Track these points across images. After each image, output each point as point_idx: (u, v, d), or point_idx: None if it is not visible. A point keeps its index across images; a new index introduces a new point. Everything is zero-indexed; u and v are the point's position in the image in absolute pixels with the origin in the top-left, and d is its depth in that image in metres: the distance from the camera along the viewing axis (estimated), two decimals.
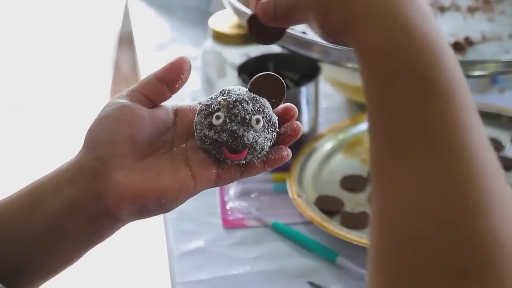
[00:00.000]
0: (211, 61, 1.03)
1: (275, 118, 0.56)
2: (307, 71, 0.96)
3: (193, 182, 0.54)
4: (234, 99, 0.54)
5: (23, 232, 0.53)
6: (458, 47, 0.93)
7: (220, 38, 1.00)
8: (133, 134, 0.53)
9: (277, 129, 0.56)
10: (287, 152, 0.56)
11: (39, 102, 2.27)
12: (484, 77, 0.92)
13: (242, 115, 0.54)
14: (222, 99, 0.55)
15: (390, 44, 0.42)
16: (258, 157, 0.56)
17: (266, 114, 0.55)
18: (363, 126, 0.99)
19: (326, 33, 0.49)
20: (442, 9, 1.03)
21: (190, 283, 0.80)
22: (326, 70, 0.98)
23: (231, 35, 1.00)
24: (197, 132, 0.55)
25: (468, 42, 0.94)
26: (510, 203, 0.38)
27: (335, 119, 1.02)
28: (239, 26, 0.99)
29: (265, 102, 0.55)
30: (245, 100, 0.54)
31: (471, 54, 0.92)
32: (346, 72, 0.99)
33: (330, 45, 0.89)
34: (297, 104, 0.93)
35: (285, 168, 0.91)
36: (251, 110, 0.54)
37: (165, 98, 0.56)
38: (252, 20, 0.56)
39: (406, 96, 0.41)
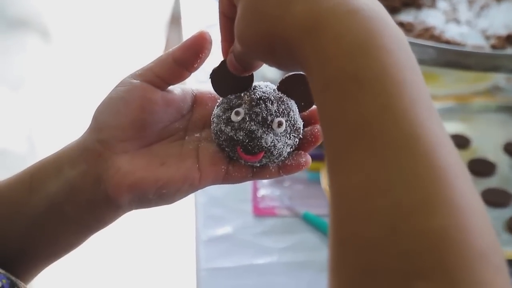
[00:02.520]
0: None
1: (300, 123, 0.51)
2: None
3: (198, 175, 0.50)
4: (258, 97, 0.50)
5: (23, 213, 0.51)
6: (511, 40, 0.89)
7: None
8: (141, 119, 0.50)
9: (301, 135, 0.51)
10: (306, 159, 0.51)
11: (92, 82, 2.29)
12: None
13: (264, 115, 0.50)
14: (246, 94, 0.50)
15: (321, 57, 0.40)
16: (275, 162, 0.51)
17: (291, 117, 0.50)
18: None
19: (278, 64, 0.46)
20: None
21: (214, 270, 0.79)
22: None
23: None
24: (214, 125, 0.51)
25: None
26: (465, 194, 0.35)
27: None
28: None
29: (293, 104, 0.51)
30: (270, 100, 0.50)
31: None
32: None
33: None
34: None
35: (321, 157, 0.89)
36: (275, 111, 0.50)
37: (182, 78, 0.51)
38: (217, 73, 0.51)
39: (341, 102, 0.38)
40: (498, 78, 0.98)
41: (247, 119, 0.50)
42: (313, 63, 0.40)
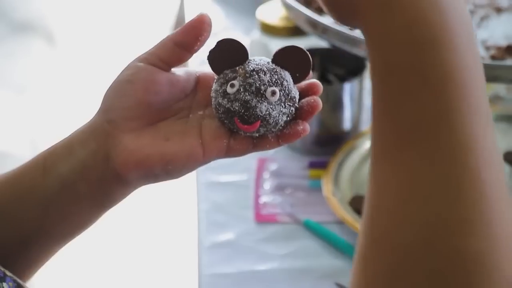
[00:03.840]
0: (258, 52, 1.02)
1: (295, 93, 0.53)
2: (353, 67, 0.94)
3: (202, 150, 0.52)
4: (251, 69, 0.52)
5: (38, 195, 0.54)
6: (511, 50, 0.90)
7: (267, 29, 0.99)
8: (147, 99, 0.52)
9: (296, 104, 0.53)
10: (303, 127, 0.53)
11: (96, 86, 2.30)
12: None
13: (257, 85, 0.52)
14: (241, 67, 0.53)
15: (389, 38, 0.39)
16: (273, 131, 0.53)
17: (285, 87, 0.52)
18: None
19: (337, 16, 0.46)
20: (499, 10, 0.99)
21: (216, 275, 0.80)
22: None
23: (278, 27, 0.99)
24: (213, 100, 0.54)
25: None
26: (504, 218, 0.36)
27: None
28: (286, 18, 0.98)
29: (286, 75, 0.53)
30: (263, 71, 0.52)
31: None
32: None
33: None
34: (339, 101, 0.92)
35: (324, 165, 0.90)
36: (268, 81, 0.52)
37: (183, 60, 0.54)
38: (214, 53, 0.54)
39: (400, 94, 0.38)
40: (498, 88, 1.00)
41: (242, 90, 0.52)
42: (376, 41, 0.40)
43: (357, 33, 0.90)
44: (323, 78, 0.96)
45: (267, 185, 0.90)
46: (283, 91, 0.52)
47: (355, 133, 0.94)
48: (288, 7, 0.92)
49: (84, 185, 0.53)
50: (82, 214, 0.55)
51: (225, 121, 0.53)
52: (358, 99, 0.93)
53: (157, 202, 1.83)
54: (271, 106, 0.52)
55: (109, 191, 0.54)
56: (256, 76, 0.52)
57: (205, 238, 0.84)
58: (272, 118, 0.52)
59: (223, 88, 0.53)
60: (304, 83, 0.54)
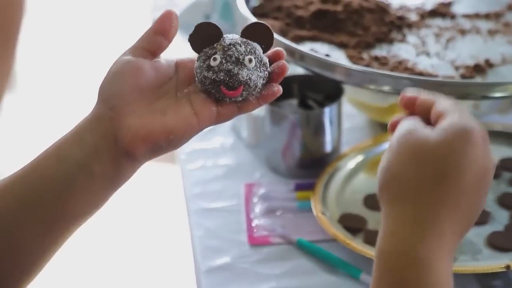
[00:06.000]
0: None
1: (265, 59, 0.64)
2: (331, 92, 0.99)
3: (196, 119, 0.62)
4: (228, 43, 0.63)
5: (54, 180, 0.61)
6: (478, 69, 0.95)
7: None
8: (138, 84, 0.62)
9: (269, 69, 0.64)
10: (278, 88, 0.64)
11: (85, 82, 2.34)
12: (504, 99, 0.93)
13: (236, 55, 0.62)
14: (218, 44, 0.63)
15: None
16: (253, 94, 0.63)
17: (258, 55, 0.63)
18: (386, 145, 1.01)
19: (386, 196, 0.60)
20: (463, 32, 1.05)
21: None
22: (349, 91, 1.00)
23: None
24: (197, 75, 0.63)
25: (489, 64, 0.96)
26: None
27: (357, 139, 1.04)
28: None
29: (256, 45, 0.63)
30: (238, 43, 0.63)
31: (491, 76, 0.94)
32: (368, 93, 1.01)
33: (353, 67, 0.92)
34: (321, 125, 0.96)
35: (309, 186, 0.94)
36: (244, 51, 0.62)
37: (163, 48, 0.65)
38: (193, 36, 0.64)
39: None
40: (466, 105, 1.05)
41: (224, 61, 0.62)
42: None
43: (334, 59, 0.95)
44: (302, 104, 1.00)
45: (257, 209, 0.93)
46: (257, 58, 0.63)
47: (336, 155, 0.99)
48: None
49: (98, 166, 0.61)
50: (97, 193, 0.63)
51: (212, 91, 0.63)
52: (338, 123, 0.97)
53: (149, 231, 1.86)
54: (250, 72, 0.62)
55: (120, 168, 0.62)
56: (234, 48, 0.62)
57: (201, 263, 0.87)
58: (252, 82, 0.62)
59: (206, 63, 0.63)
60: (270, 51, 0.65)
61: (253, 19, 0.98)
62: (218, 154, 1.04)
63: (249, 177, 0.99)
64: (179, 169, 1.04)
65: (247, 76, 0.62)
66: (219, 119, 0.64)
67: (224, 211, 0.94)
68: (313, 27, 1.03)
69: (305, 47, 0.98)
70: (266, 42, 0.64)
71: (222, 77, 0.62)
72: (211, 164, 1.03)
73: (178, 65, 0.65)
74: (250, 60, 0.62)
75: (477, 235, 0.86)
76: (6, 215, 0.61)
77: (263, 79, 0.63)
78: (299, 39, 1.01)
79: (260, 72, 0.63)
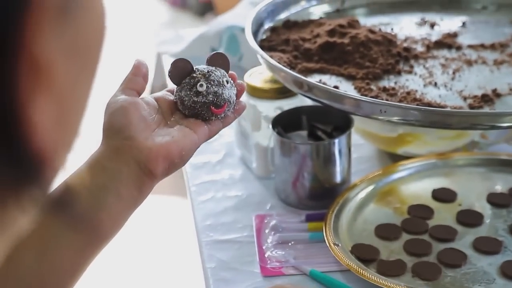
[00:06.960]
0: (246, 114, 1.06)
1: (231, 81, 0.76)
2: (339, 123, 0.99)
3: (196, 136, 0.73)
4: (206, 71, 0.75)
5: (87, 206, 0.66)
6: (486, 99, 0.96)
7: (255, 92, 1.03)
8: (141, 115, 0.71)
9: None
10: (244, 103, 0.78)
11: None
12: None
13: (217, 79, 0.74)
14: (196, 74, 0.74)
15: None
16: (230, 110, 0.76)
17: (227, 77, 0.75)
18: (395, 176, 1.02)
19: None
20: (469, 63, 1.06)
21: None
22: (357, 122, 1.01)
23: (265, 89, 1.03)
24: (185, 102, 0.74)
25: (496, 94, 0.97)
26: None
27: (366, 169, 1.05)
28: (273, 80, 1.03)
29: (222, 70, 0.76)
30: (213, 71, 0.75)
31: (499, 106, 0.95)
32: (377, 124, 1.02)
33: (362, 98, 0.93)
34: (331, 155, 0.96)
35: (320, 217, 0.94)
36: (220, 75, 0.75)
37: (143, 88, 0.75)
38: (171, 72, 0.75)
39: None
40: (474, 135, 1.06)
41: (209, 85, 0.74)
42: None
43: (342, 90, 0.96)
44: (312, 135, 1.01)
45: (269, 240, 0.93)
46: (229, 80, 0.75)
47: (346, 185, 0.99)
48: (275, 70, 0.97)
49: (124, 188, 0.68)
50: (122, 213, 0.68)
51: (202, 112, 0.74)
52: (347, 153, 0.98)
53: (161, 264, 1.85)
54: (229, 91, 0.75)
55: (143, 188, 0.69)
56: (213, 74, 0.74)
57: None
58: (231, 99, 0.75)
59: (193, 90, 0.74)
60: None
61: (261, 52, 0.99)
62: (228, 186, 1.05)
63: (260, 209, 1.00)
64: (189, 202, 1.04)
65: (228, 95, 0.74)
66: (210, 135, 0.75)
67: (236, 242, 0.94)
68: (320, 59, 1.05)
69: (313, 79, 0.99)
70: (225, 67, 0.77)
71: (211, 99, 0.73)
72: (221, 196, 1.03)
73: (158, 100, 0.75)
74: (227, 81, 0.75)
75: (490, 264, 0.86)
76: (50, 237, 0.64)
77: (235, 96, 0.76)
78: (307, 71, 1.02)
79: (233, 91, 0.75)
